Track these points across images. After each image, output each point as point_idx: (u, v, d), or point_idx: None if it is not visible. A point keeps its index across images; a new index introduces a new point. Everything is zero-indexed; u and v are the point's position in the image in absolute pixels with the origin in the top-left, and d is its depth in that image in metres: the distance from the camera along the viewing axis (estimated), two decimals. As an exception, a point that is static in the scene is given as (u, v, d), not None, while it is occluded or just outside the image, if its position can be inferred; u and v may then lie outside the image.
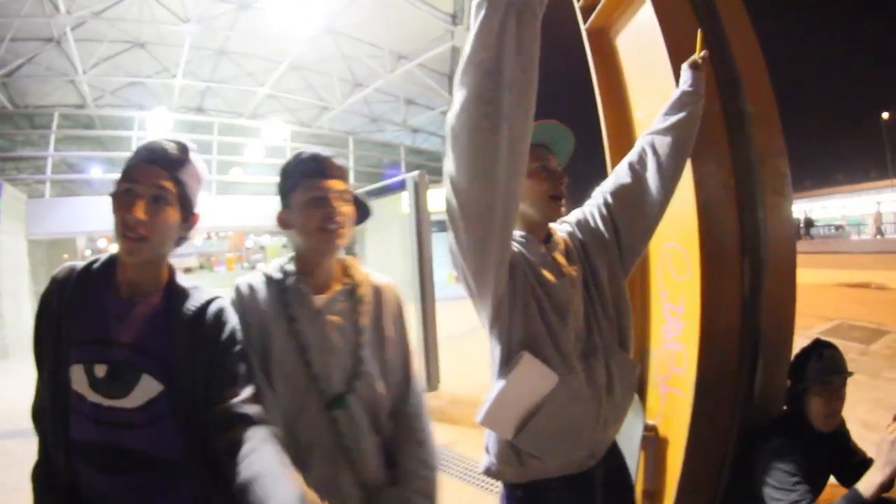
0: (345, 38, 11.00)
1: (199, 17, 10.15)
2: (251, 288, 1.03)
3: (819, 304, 7.70)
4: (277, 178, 1.06)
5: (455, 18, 10.27)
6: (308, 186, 1.00)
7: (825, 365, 1.42)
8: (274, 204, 1.07)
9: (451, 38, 10.48)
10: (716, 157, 1.49)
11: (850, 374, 1.44)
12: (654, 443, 1.58)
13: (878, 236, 23.15)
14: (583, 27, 1.97)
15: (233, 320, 0.96)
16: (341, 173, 1.04)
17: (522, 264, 1.07)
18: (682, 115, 1.20)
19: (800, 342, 1.54)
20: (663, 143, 1.18)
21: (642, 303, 1.71)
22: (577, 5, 1.98)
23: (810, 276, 11.14)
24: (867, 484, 1.20)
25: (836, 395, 1.43)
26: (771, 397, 1.53)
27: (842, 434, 1.54)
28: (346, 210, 1.02)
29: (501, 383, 1.03)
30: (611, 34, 1.91)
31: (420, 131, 16.33)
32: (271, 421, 0.90)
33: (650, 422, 1.61)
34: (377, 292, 1.10)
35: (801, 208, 33.90)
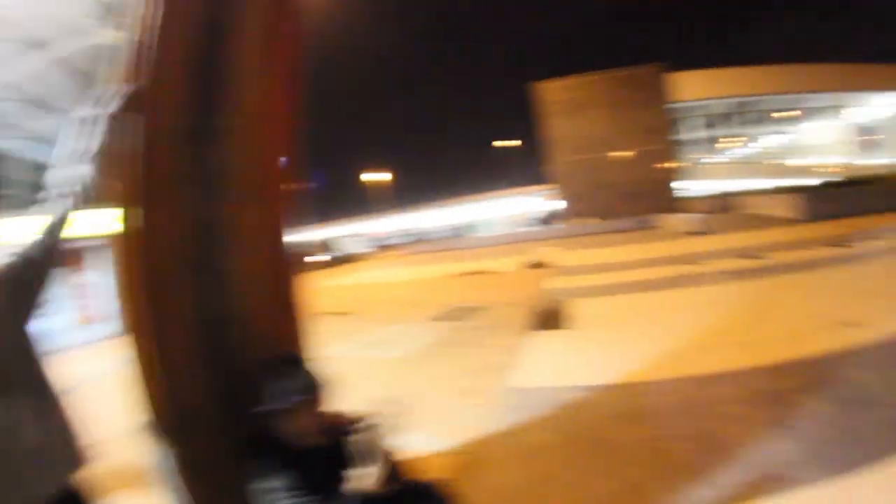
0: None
1: None
2: None
3: (439, 293, 9.60)
4: None
5: (107, 10, 8.51)
6: None
7: (288, 386, 1.34)
8: None
9: (98, 29, 8.66)
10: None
11: (313, 396, 1.36)
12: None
13: (544, 226, 29.46)
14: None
15: None
16: None
17: None
18: None
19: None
20: None
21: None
22: None
23: (442, 269, 13.65)
24: (357, 484, 1.23)
25: (306, 414, 1.34)
26: (242, 416, 1.45)
27: (343, 434, 1.41)
28: None
29: None
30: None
31: (46, 141, 12.36)
32: None
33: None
34: None
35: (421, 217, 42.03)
